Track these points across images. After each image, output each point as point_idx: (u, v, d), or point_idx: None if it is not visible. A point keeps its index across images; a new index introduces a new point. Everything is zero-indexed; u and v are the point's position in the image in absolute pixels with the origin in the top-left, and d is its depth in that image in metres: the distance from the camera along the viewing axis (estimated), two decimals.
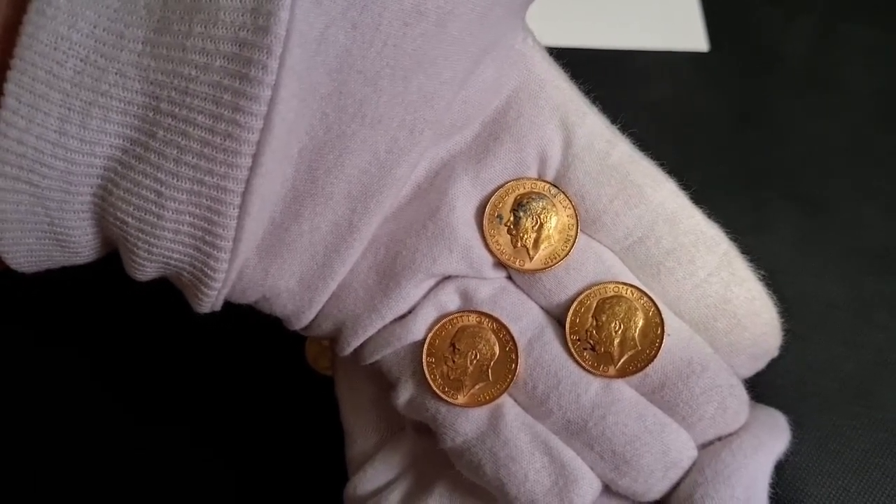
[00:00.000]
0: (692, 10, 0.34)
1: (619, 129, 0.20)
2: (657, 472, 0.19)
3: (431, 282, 0.20)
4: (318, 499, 0.25)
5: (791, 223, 0.29)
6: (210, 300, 0.18)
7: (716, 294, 0.19)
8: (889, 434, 0.25)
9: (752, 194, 0.30)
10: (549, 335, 0.19)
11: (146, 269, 0.18)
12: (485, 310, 0.20)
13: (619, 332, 0.19)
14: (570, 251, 0.19)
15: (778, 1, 0.34)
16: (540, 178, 0.20)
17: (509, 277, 0.20)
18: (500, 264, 0.20)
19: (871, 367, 0.26)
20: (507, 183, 0.20)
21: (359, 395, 0.22)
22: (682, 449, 0.19)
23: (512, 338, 0.19)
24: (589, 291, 0.19)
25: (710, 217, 0.20)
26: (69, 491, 0.25)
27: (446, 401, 0.19)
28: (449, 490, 0.20)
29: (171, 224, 0.17)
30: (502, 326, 0.19)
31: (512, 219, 0.20)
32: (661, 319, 0.19)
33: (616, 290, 0.19)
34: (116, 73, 0.16)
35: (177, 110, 0.16)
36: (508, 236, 0.20)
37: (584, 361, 0.19)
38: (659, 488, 0.19)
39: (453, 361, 0.19)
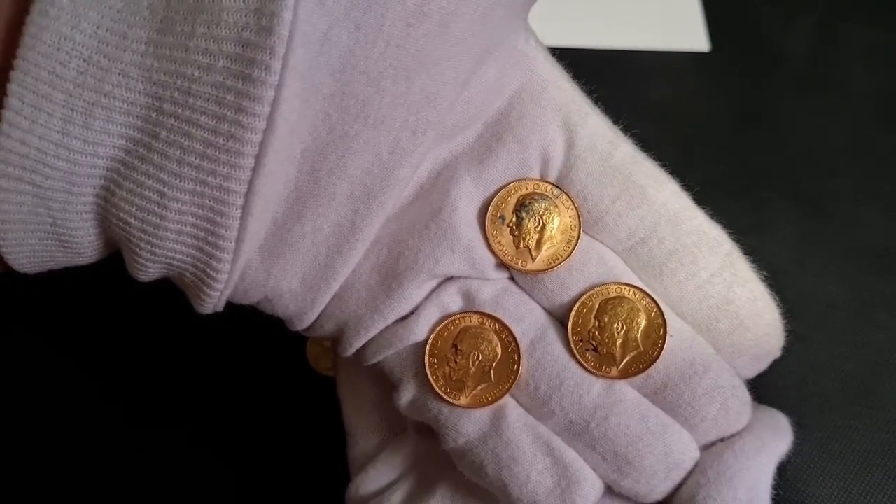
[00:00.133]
0: (693, 11, 0.34)
1: (621, 129, 0.20)
2: (659, 474, 0.19)
3: (434, 282, 0.20)
4: (319, 499, 0.25)
5: (791, 223, 0.29)
6: (212, 301, 0.18)
7: (718, 295, 0.19)
8: (891, 435, 0.25)
9: (753, 194, 0.30)
10: (552, 336, 0.19)
11: (149, 270, 0.18)
12: (487, 310, 0.20)
13: (622, 332, 0.19)
14: (572, 252, 0.19)
15: (778, 1, 0.34)
16: (542, 179, 0.20)
17: (512, 278, 0.20)
18: (502, 265, 0.20)
19: (871, 368, 0.27)
20: (509, 183, 0.20)
21: (360, 396, 0.22)
22: (684, 450, 0.19)
23: (514, 339, 0.19)
24: (591, 292, 0.19)
25: (711, 217, 0.20)
26: (69, 491, 0.25)
27: (448, 402, 0.19)
28: (451, 491, 0.20)
29: (173, 225, 0.17)
30: (504, 327, 0.19)
31: (514, 219, 0.20)
32: (664, 320, 0.19)
33: (618, 290, 0.19)
34: (119, 74, 0.16)
35: (180, 111, 0.16)
36: (511, 237, 0.20)
37: (587, 362, 0.19)
38: (661, 489, 0.19)
39: (455, 362, 0.19)
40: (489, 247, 0.20)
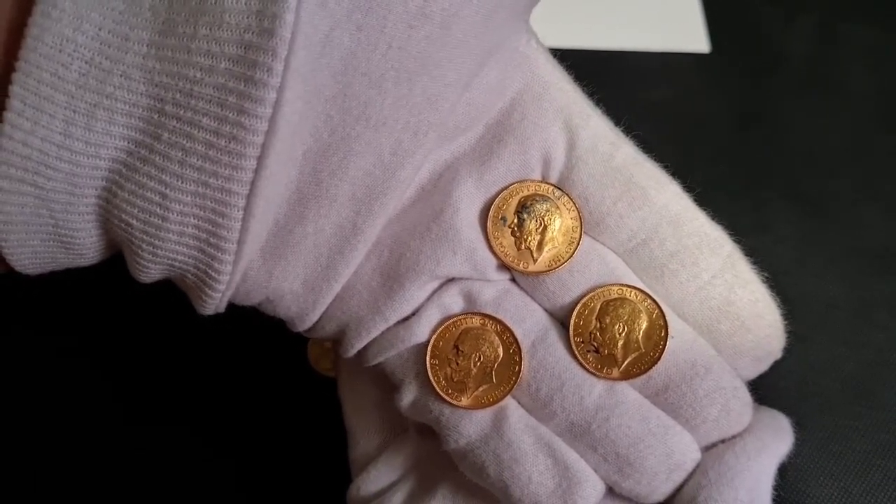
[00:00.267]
0: (693, 11, 0.34)
1: (622, 130, 0.20)
2: (661, 475, 0.19)
3: (435, 284, 0.20)
4: (321, 500, 0.25)
5: (791, 223, 0.29)
6: (214, 302, 0.18)
7: (719, 296, 0.19)
8: (891, 435, 0.25)
9: (753, 195, 0.30)
10: (553, 337, 0.19)
11: (150, 271, 0.18)
12: (488, 312, 0.20)
13: (623, 334, 0.19)
14: (573, 253, 0.20)
15: (778, 1, 0.34)
16: (544, 181, 0.20)
17: (513, 279, 0.20)
18: (503, 266, 0.20)
19: (871, 368, 0.27)
20: (510, 185, 0.20)
21: (361, 397, 0.22)
22: (685, 451, 0.19)
23: (516, 340, 0.19)
24: (593, 294, 0.19)
25: (711, 218, 0.20)
26: (69, 491, 0.25)
27: (450, 403, 0.19)
28: (452, 492, 0.20)
29: (175, 226, 0.17)
30: (506, 328, 0.19)
31: (516, 221, 0.20)
32: (665, 322, 0.19)
33: (620, 292, 0.19)
34: (121, 76, 0.16)
35: (181, 112, 0.16)
36: (512, 238, 0.20)
37: (588, 363, 0.19)
38: (662, 490, 0.19)
39: (457, 363, 0.19)
40: (490, 248, 0.20)
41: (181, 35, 0.15)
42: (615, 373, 0.19)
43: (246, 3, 0.15)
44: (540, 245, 0.20)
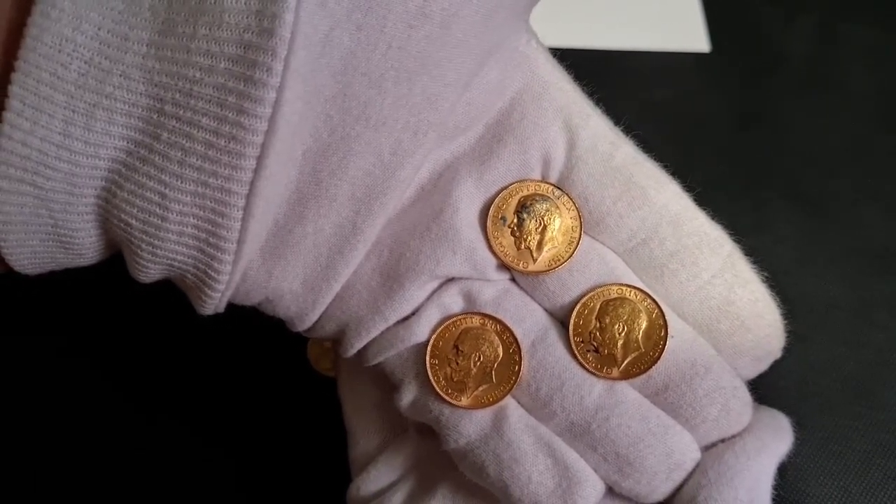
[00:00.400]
0: (693, 11, 0.34)
1: (621, 130, 0.20)
2: (661, 474, 0.19)
3: (435, 284, 0.20)
4: (321, 500, 0.25)
5: (791, 223, 0.29)
6: (213, 302, 0.18)
7: (719, 296, 0.19)
8: (891, 435, 0.25)
9: (753, 194, 0.30)
10: (553, 337, 0.19)
11: (150, 271, 0.18)
12: (488, 311, 0.20)
13: (623, 333, 0.19)
14: (573, 253, 0.20)
15: (778, 1, 0.34)
16: (543, 180, 0.20)
17: (513, 279, 0.20)
18: (503, 266, 0.20)
19: (871, 367, 0.27)
20: (510, 185, 0.20)
21: (361, 397, 0.22)
22: (685, 451, 0.19)
23: (515, 340, 0.19)
24: (592, 293, 0.19)
25: (711, 218, 0.20)
26: (69, 491, 0.25)
27: (450, 402, 0.19)
28: (452, 492, 0.20)
29: (174, 226, 0.17)
30: (506, 328, 0.19)
31: (515, 221, 0.20)
32: (665, 321, 0.19)
33: (619, 291, 0.19)
34: (121, 75, 0.16)
35: (181, 112, 0.16)
36: (512, 238, 0.20)
37: (588, 363, 0.19)
38: (662, 490, 0.19)
39: (457, 363, 0.19)
40: (490, 248, 0.20)
41: (180, 35, 0.15)
42: (615, 372, 0.19)
43: (245, 3, 0.15)
44: (540, 245, 0.20)
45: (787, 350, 0.21)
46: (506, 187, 0.20)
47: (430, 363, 0.19)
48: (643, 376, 0.19)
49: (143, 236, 0.17)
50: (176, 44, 0.15)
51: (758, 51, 0.33)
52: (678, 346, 0.19)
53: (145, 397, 0.26)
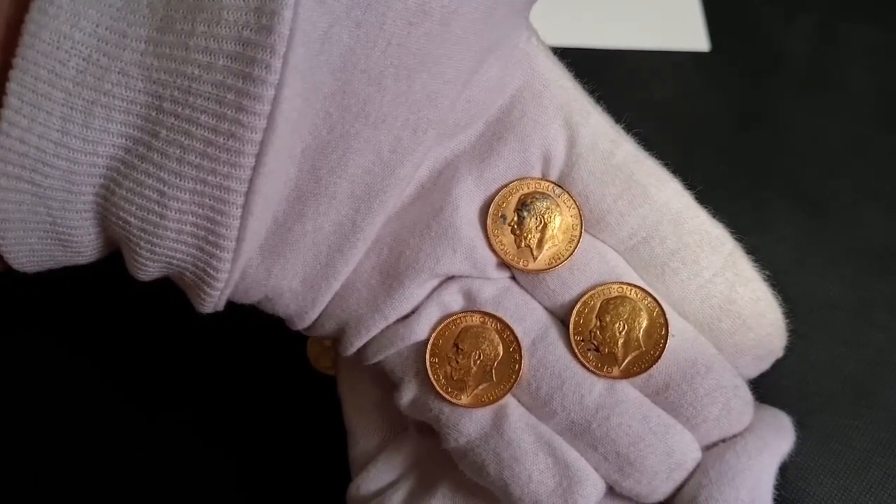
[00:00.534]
0: (693, 10, 0.34)
1: (622, 129, 0.20)
2: (661, 474, 0.19)
3: (435, 282, 0.20)
4: (320, 499, 0.25)
5: (791, 223, 0.29)
6: (213, 300, 0.18)
7: (720, 294, 0.19)
8: (890, 434, 0.25)
9: (753, 194, 0.30)
10: (553, 336, 0.19)
11: (149, 269, 0.18)
12: (488, 310, 0.19)
13: (623, 332, 0.19)
14: (573, 251, 0.19)
15: (778, 1, 0.34)
16: (544, 178, 0.20)
17: (513, 278, 0.20)
18: (503, 264, 0.20)
19: (872, 367, 0.27)
20: (510, 183, 0.20)
21: (361, 396, 0.22)
22: (686, 450, 0.19)
23: (516, 338, 0.19)
24: (593, 292, 0.19)
25: (712, 217, 0.20)
26: (69, 491, 0.25)
27: (449, 401, 0.19)
28: (452, 491, 0.20)
29: (173, 224, 0.17)
30: (506, 327, 0.19)
31: (516, 219, 0.20)
32: (666, 320, 0.19)
33: (620, 290, 0.19)
34: (119, 73, 0.15)
35: (180, 110, 0.16)
36: (512, 236, 0.20)
37: (588, 362, 0.19)
38: (663, 490, 0.19)
39: (457, 362, 0.19)
40: (490, 246, 0.20)
41: (179, 32, 0.15)
42: (615, 371, 0.19)
43: (244, 0, 0.15)
44: (540, 243, 0.20)
45: (788, 349, 0.21)
46: (506, 185, 0.20)
47: (430, 361, 0.19)
48: (644, 375, 0.19)
49: (142, 234, 0.17)
50: (174, 41, 0.15)
51: (758, 50, 0.33)
52: (679, 345, 0.19)
53: (145, 397, 0.26)
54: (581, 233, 0.20)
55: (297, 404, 0.26)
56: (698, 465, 0.19)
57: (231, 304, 0.19)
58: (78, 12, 0.15)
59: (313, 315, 0.19)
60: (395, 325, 0.20)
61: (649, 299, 0.19)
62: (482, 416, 0.19)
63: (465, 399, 0.19)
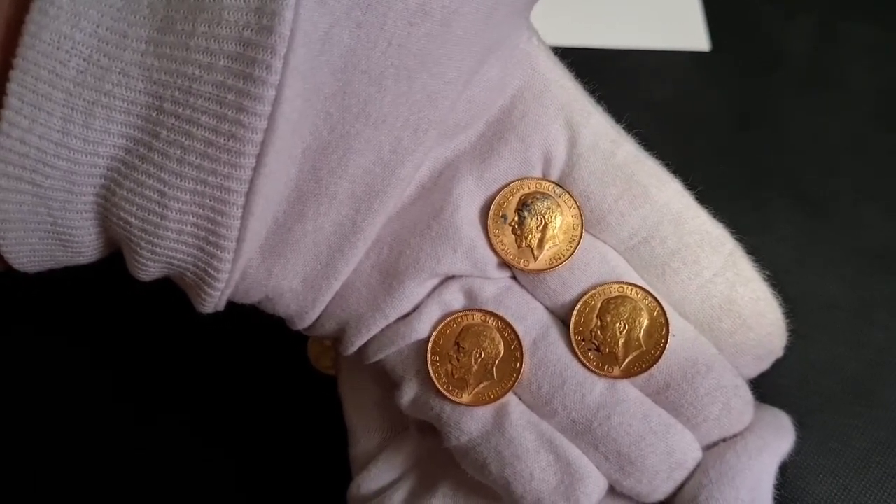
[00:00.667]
0: (693, 10, 0.34)
1: (622, 128, 0.20)
2: (662, 473, 0.19)
3: (435, 281, 0.20)
4: (321, 498, 0.25)
5: (792, 223, 0.29)
6: (213, 300, 0.18)
7: (721, 294, 0.19)
8: (890, 433, 0.25)
9: (753, 194, 0.30)
10: (554, 335, 0.19)
11: (149, 270, 0.18)
12: (490, 309, 0.19)
13: (624, 332, 0.19)
14: (574, 251, 0.19)
15: (778, 0, 0.34)
16: (544, 178, 0.20)
17: (514, 277, 0.20)
18: (504, 264, 0.20)
19: (871, 367, 0.27)
20: (511, 183, 0.20)
21: (362, 395, 0.22)
22: (686, 450, 0.19)
23: (517, 337, 0.19)
24: (594, 292, 0.19)
25: (712, 217, 0.20)
26: (69, 491, 0.25)
27: (451, 399, 0.19)
28: (453, 489, 0.20)
29: (174, 224, 0.17)
30: (507, 325, 0.19)
31: (516, 219, 0.20)
32: (666, 320, 0.19)
33: (621, 290, 0.19)
34: (120, 73, 0.15)
35: (180, 110, 0.16)
36: (513, 236, 0.20)
37: (589, 362, 0.19)
38: (664, 489, 0.19)
39: (458, 360, 0.19)
40: (491, 246, 0.20)
41: (179, 32, 0.15)
42: (616, 371, 0.19)
43: (245, 1, 0.15)
44: (541, 243, 0.20)
45: (788, 349, 0.21)
46: (507, 185, 0.20)
47: (431, 360, 0.19)
48: (644, 375, 0.19)
49: (143, 234, 0.17)
50: (175, 41, 0.15)
51: (758, 50, 0.33)
52: (679, 345, 0.19)
53: (145, 396, 0.26)
54: (582, 233, 0.20)
55: (297, 404, 0.26)
56: (699, 465, 0.19)
57: (231, 304, 0.19)
58: (78, 13, 0.15)
59: (314, 315, 0.19)
60: (396, 324, 0.20)
61: (650, 299, 0.19)
62: (483, 414, 0.19)
63: (466, 397, 0.19)
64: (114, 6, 0.15)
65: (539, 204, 0.20)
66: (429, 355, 0.19)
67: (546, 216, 0.20)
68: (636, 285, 0.19)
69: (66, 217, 0.17)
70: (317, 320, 0.20)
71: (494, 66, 0.19)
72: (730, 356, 0.20)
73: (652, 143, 0.21)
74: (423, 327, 0.19)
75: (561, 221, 0.20)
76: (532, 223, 0.20)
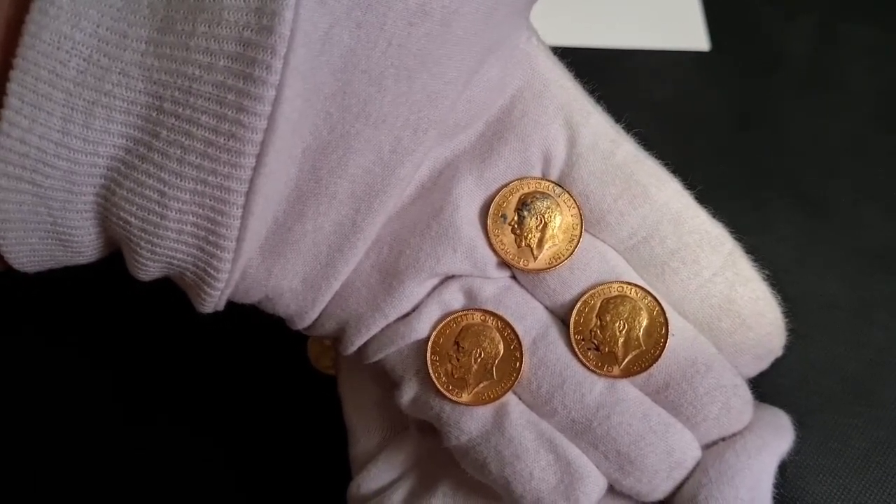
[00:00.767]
0: (693, 10, 0.34)
1: (622, 128, 0.20)
2: (661, 473, 0.19)
3: (435, 281, 0.20)
4: (321, 498, 0.25)
5: (792, 223, 0.29)
6: (213, 300, 0.18)
7: (720, 294, 0.19)
8: (890, 433, 0.25)
9: (753, 194, 0.30)
10: (554, 335, 0.19)
11: (149, 269, 0.18)
12: (489, 308, 0.19)
13: (624, 331, 0.19)
14: (574, 251, 0.19)
15: (778, 1, 0.34)
16: (544, 178, 0.20)
17: (513, 277, 0.20)
18: (503, 264, 0.20)
19: (871, 367, 0.27)
20: (511, 182, 0.20)
21: (361, 395, 0.22)
22: (686, 449, 0.19)
23: (517, 336, 0.19)
24: (593, 291, 0.19)
25: (712, 217, 0.20)
26: (69, 491, 0.25)
27: (450, 399, 0.19)
28: (453, 489, 0.20)
29: (174, 224, 0.17)
30: (507, 325, 0.19)
31: (516, 218, 0.20)
32: (666, 319, 0.19)
33: (620, 289, 0.19)
34: (120, 73, 0.15)
35: (180, 110, 0.16)
36: (512, 236, 0.20)
37: (589, 361, 0.19)
38: (663, 488, 0.19)
39: (457, 360, 0.19)
40: (491, 246, 0.20)
41: (180, 32, 0.15)
42: (616, 370, 0.19)
43: (245, 1, 0.15)
44: (540, 242, 0.20)
45: (788, 348, 0.21)
46: (506, 185, 0.20)
47: (431, 360, 0.19)
48: (644, 374, 0.19)
49: (143, 234, 0.17)
50: (175, 41, 0.15)
51: (758, 50, 0.33)
52: (679, 344, 0.19)
53: (145, 396, 0.26)
54: (581, 232, 0.20)
55: (298, 404, 0.26)
56: (698, 464, 0.19)
57: (231, 304, 0.19)
58: (78, 13, 0.15)
59: (314, 315, 0.19)
60: (396, 324, 0.20)
61: (649, 298, 0.19)
62: (483, 413, 0.19)
63: (465, 397, 0.19)
64: (114, 6, 0.15)
65: (539, 203, 0.20)
66: (428, 355, 0.19)
67: (546, 216, 0.20)
68: (636, 285, 0.19)
69: (66, 217, 0.17)
70: (317, 320, 0.20)
71: (494, 66, 0.19)
72: (729, 356, 0.20)
73: (652, 143, 0.21)
74: (422, 327, 0.19)
75: (560, 221, 0.20)
76: (531, 223, 0.20)
